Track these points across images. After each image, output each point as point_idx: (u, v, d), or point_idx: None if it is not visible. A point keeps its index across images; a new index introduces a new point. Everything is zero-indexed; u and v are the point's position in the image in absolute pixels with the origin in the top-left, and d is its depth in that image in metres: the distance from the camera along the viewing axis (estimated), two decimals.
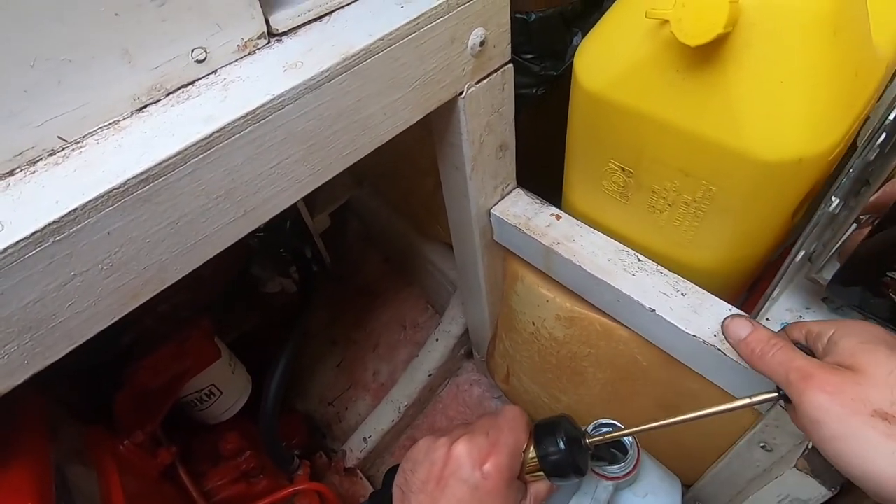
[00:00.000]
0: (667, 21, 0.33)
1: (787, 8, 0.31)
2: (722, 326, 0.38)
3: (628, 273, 0.52)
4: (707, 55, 0.34)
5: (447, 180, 0.59)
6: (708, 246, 0.47)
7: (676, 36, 0.32)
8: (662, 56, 0.36)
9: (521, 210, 0.60)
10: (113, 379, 0.57)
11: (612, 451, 0.49)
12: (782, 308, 0.46)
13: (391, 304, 1.12)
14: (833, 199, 0.31)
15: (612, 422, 0.47)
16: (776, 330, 0.39)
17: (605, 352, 0.59)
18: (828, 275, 0.41)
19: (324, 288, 1.13)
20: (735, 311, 0.48)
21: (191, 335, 0.63)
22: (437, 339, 0.95)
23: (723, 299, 0.49)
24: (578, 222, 0.57)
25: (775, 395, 0.34)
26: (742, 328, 0.37)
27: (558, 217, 0.58)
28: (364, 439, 0.93)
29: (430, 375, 0.94)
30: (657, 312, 0.48)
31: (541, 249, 0.57)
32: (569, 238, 0.56)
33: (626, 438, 0.48)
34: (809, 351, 0.34)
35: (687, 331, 0.46)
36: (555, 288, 0.60)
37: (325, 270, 0.97)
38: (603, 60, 0.41)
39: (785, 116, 0.34)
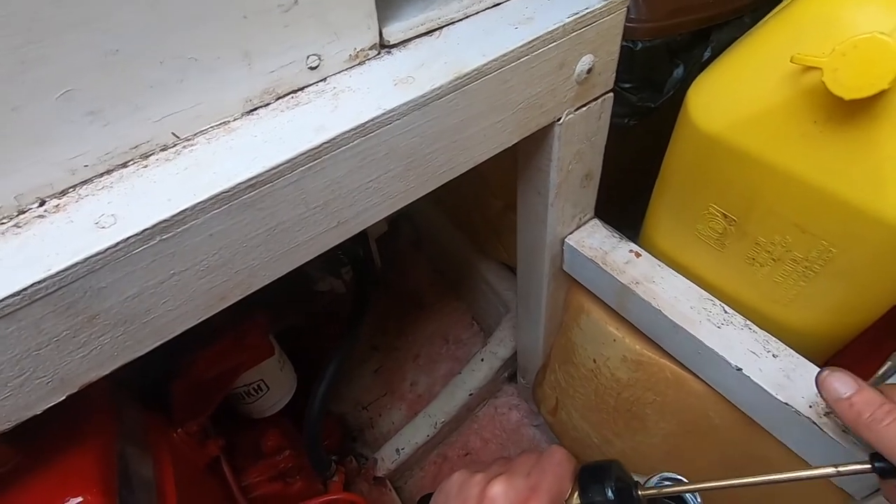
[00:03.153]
0: (817, 68, 0.30)
1: None
2: (817, 380, 0.33)
3: (713, 324, 0.48)
4: (857, 109, 0.31)
5: (525, 204, 0.57)
6: (810, 307, 0.44)
7: (829, 87, 0.29)
8: (800, 104, 0.33)
9: (597, 243, 0.58)
10: (171, 367, 0.58)
11: (669, 502, 0.45)
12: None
13: (436, 316, 1.10)
14: None
15: (677, 476, 0.43)
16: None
17: (672, 402, 0.55)
18: None
19: (372, 296, 1.13)
20: None
21: (249, 330, 0.63)
22: (482, 359, 0.93)
23: (813, 362, 0.45)
24: (660, 262, 0.54)
25: (868, 466, 0.30)
26: (845, 386, 0.32)
27: (637, 254, 0.55)
28: (397, 450, 0.91)
29: (470, 395, 0.92)
30: (744, 372, 0.45)
31: (616, 286, 0.54)
32: (649, 279, 0.53)
33: (689, 496, 0.45)
34: None
35: (778, 397, 0.43)
36: (624, 327, 0.58)
37: (376, 275, 0.97)
38: (723, 100, 0.39)
39: None
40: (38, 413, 0.29)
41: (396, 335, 1.10)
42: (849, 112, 0.31)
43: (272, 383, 0.71)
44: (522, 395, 0.97)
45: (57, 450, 0.38)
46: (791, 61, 0.31)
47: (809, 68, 0.31)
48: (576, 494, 0.36)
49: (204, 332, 0.60)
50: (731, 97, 0.38)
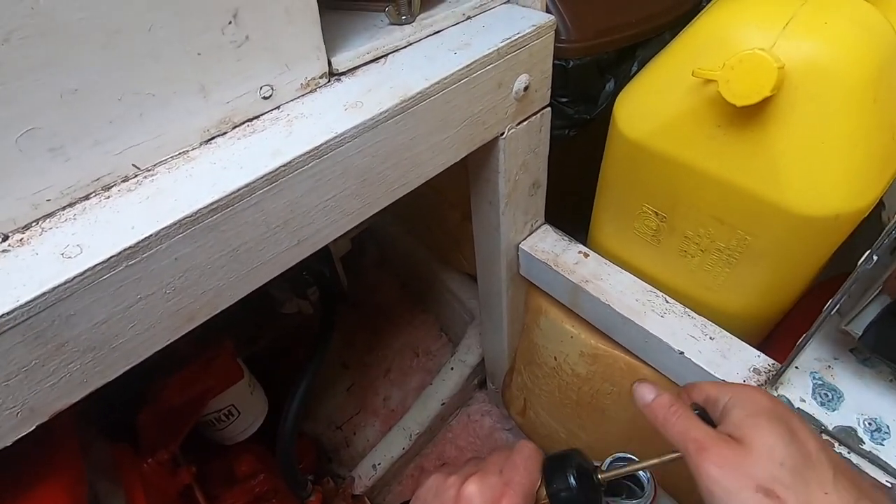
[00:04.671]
0: (713, 80, 0.35)
1: (831, 74, 0.33)
2: (632, 390, 0.38)
3: (657, 314, 0.53)
4: (751, 114, 0.35)
5: (479, 214, 0.60)
6: (737, 291, 0.48)
7: (723, 96, 0.34)
8: (705, 111, 0.38)
9: (549, 246, 0.61)
10: (137, 396, 0.57)
11: (629, 485, 0.48)
12: (811, 357, 0.47)
13: (405, 330, 1.12)
14: (874, 256, 0.33)
15: (629, 455, 0.46)
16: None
17: (628, 390, 0.59)
18: (858, 328, 0.42)
19: (339, 312, 1.14)
20: (763, 357, 0.48)
21: (216, 354, 0.63)
22: (451, 368, 0.95)
23: (747, 342, 0.50)
24: (606, 261, 0.58)
25: (680, 454, 0.34)
26: (647, 392, 0.37)
27: (586, 255, 0.59)
28: (373, 466, 0.92)
29: (443, 404, 0.94)
30: (686, 355, 0.49)
31: (568, 286, 0.58)
32: (597, 276, 0.57)
33: (641, 473, 0.48)
34: (706, 413, 0.35)
35: (716, 375, 0.47)
36: (579, 324, 0.61)
37: (342, 294, 0.98)
38: (643, 110, 0.43)
39: (824, 174, 0.35)
40: (8, 445, 0.30)
41: (367, 352, 1.11)
42: (744, 116, 0.36)
43: (243, 408, 0.71)
44: (493, 400, 1.00)
45: (25, 489, 0.38)
46: (692, 75, 0.36)
47: (708, 80, 0.36)
48: (542, 485, 0.38)
49: (170, 358, 0.61)
50: (650, 107, 0.42)
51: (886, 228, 0.31)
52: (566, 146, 0.65)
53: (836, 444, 0.42)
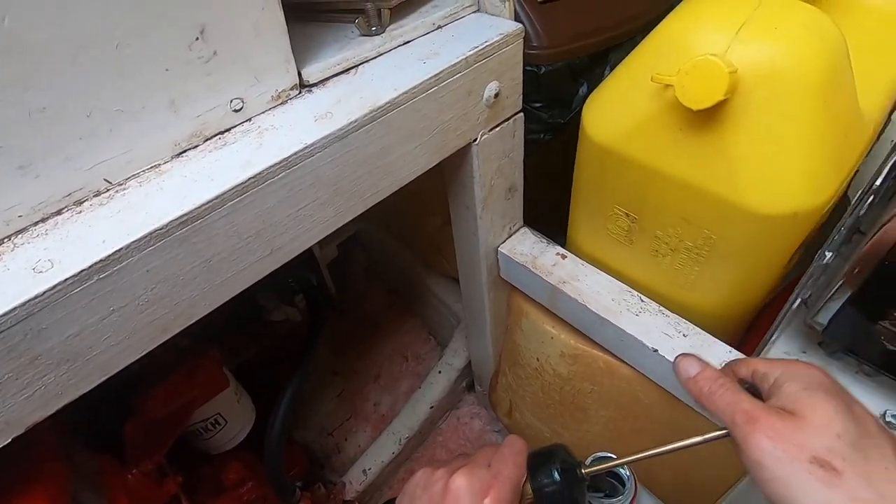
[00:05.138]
0: (671, 85, 0.36)
1: (783, 77, 0.34)
2: (673, 364, 0.38)
3: (632, 313, 0.54)
4: (708, 117, 0.36)
5: (457, 219, 0.61)
6: (708, 289, 0.49)
7: (680, 100, 0.35)
8: (666, 115, 0.39)
9: (527, 249, 0.62)
10: (122, 407, 0.58)
11: (611, 481, 0.49)
12: (780, 352, 0.48)
13: (393, 335, 1.12)
14: (827, 252, 0.34)
15: (609, 455, 0.47)
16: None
17: (608, 389, 0.60)
18: (823, 320, 0.43)
19: (327, 318, 1.14)
20: (734, 352, 0.49)
21: (200, 364, 0.63)
22: (439, 372, 0.96)
23: (722, 340, 0.51)
24: (583, 262, 0.59)
25: (725, 432, 0.34)
26: (691, 366, 0.37)
27: (564, 257, 0.60)
28: (364, 471, 0.92)
29: (431, 407, 0.95)
30: (659, 352, 0.50)
31: (547, 288, 0.59)
32: (574, 277, 0.58)
33: (622, 470, 0.48)
34: (755, 388, 0.35)
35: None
36: (559, 325, 0.62)
37: (330, 301, 0.98)
38: (610, 115, 0.44)
39: (781, 174, 0.36)
40: None
41: (356, 358, 1.11)
42: (702, 120, 0.37)
43: (229, 416, 0.71)
44: (482, 402, 1.00)
45: (5, 501, 0.38)
46: (651, 80, 0.37)
47: (667, 85, 0.37)
48: (527, 479, 0.38)
49: (157, 369, 0.61)
50: (616, 112, 0.43)
51: (837, 225, 0.33)
52: (543, 150, 0.66)
53: None
